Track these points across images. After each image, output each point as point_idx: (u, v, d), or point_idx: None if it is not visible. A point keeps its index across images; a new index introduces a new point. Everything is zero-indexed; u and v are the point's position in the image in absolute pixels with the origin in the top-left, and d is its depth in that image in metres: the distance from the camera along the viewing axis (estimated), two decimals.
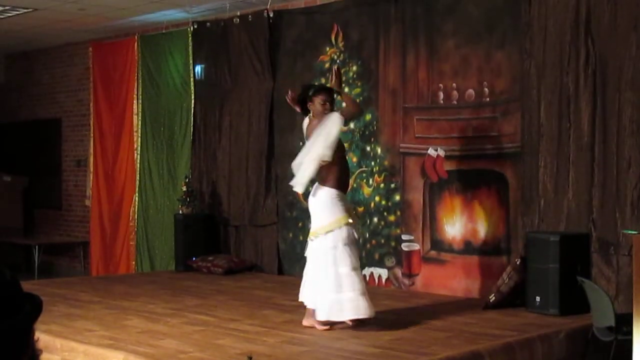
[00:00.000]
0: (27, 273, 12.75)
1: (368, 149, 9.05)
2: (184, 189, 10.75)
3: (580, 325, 6.64)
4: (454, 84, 8.47)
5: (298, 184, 6.71)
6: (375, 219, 9.08)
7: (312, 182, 6.76)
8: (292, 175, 9.48)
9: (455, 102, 8.47)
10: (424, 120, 8.71)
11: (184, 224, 10.60)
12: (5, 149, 14.73)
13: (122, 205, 12.04)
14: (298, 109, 7.00)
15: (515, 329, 6.59)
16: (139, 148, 11.83)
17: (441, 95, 8.58)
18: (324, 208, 6.61)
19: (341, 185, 6.69)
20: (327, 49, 9.65)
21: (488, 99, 8.22)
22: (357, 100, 6.58)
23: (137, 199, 11.80)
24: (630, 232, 6.47)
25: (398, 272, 8.88)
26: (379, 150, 9.05)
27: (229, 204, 10.72)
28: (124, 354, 5.78)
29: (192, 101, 11.13)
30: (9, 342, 1.57)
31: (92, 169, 12.56)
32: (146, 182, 11.73)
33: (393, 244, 8.94)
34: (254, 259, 10.39)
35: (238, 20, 10.47)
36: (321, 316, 6.54)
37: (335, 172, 6.65)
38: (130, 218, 11.88)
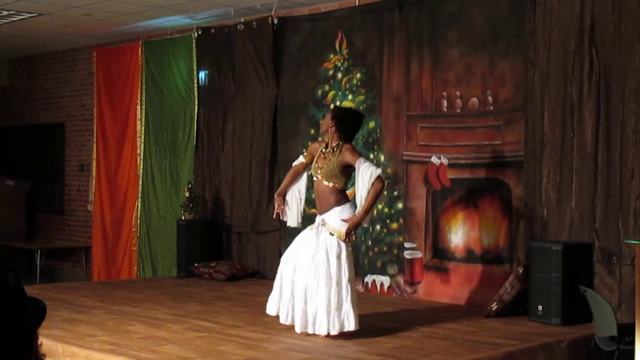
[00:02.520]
0: (29, 277, 12.76)
1: (371, 156, 9.04)
2: (187, 194, 10.75)
3: (583, 334, 6.64)
4: (458, 92, 8.47)
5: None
6: (378, 227, 9.07)
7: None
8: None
9: (458, 111, 8.47)
10: (428, 128, 8.71)
11: (186, 230, 10.59)
12: (9, 153, 14.75)
13: (125, 210, 12.04)
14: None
15: (518, 338, 6.58)
16: (142, 153, 11.83)
17: (445, 103, 8.58)
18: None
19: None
20: (331, 56, 9.66)
21: (492, 108, 8.23)
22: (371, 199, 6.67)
23: (139, 204, 11.80)
24: (633, 242, 6.47)
25: (400, 279, 8.87)
26: (382, 158, 9.05)
27: (232, 210, 10.72)
28: (126, 359, 5.77)
29: (196, 107, 11.14)
30: (13, 347, 1.57)
31: (94, 174, 12.57)
32: (149, 188, 11.73)
33: (395, 251, 8.93)
34: (256, 265, 10.40)
35: (242, 26, 10.49)
36: (335, 329, 6.51)
37: (345, 193, 6.86)
38: (133, 223, 11.88)
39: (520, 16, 7.97)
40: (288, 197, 7.17)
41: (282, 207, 7.18)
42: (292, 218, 7.19)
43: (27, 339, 1.62)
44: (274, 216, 7.48)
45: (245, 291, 9.24)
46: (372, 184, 6.44)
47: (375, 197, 6.51)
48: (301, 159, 7.18)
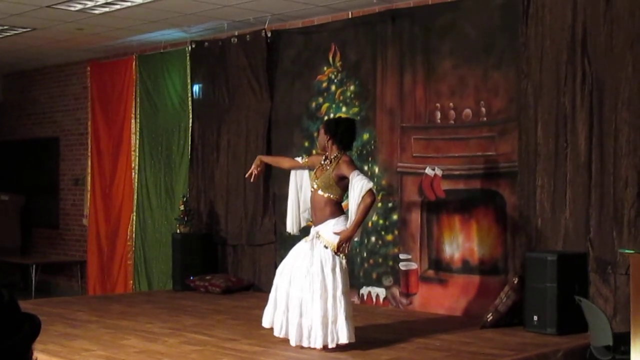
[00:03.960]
0: (24, 292, 12.71)
1: (366, 168, 9.05)
2: (182, 208, 10.74)
3: (578, 344, 6.65)
4: (451, 104, 8.50)
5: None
6: (373, 238, 9.08)
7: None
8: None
9: (452, 122, 8.49)
10: (422, 140, 8.73)
11: (181, 243, 10.59)
12: (3, 167, 14.73)
13: (120, 224, 12.03)
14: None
15: (513, 348, 6.59)
16: (136, 167, 11.83)
17: (438, 114, 8.60)
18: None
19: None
20: (325, 68, 9.68)
21: (485, 119, 8.25)
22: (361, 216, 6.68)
23: (134, 218, 11.80)
24: (627, 251, 6.48)
25: (396, 291, 8.87)
26: (376, 170, 9.06)
27: (227, 223, 10.72)
28: None
29: (190, 120, 11.15)
30: None
31: (89, 188, 12.56)
32: (144, 201, 11.73)
33: (391, 263, 8.93)
34: (251, 278, 10.39)
35: (236, 40, 10.51)
36: (320, 342, 6.49)
37: (340, 206, 6.82)
38: (128, 237, 11.87)
39: (513, 28, 8.00)
40: (289, 202, 7.21)
41: (258, 170, 7.42)
42: (289, 223, 7.23)
43: (22, 354, 1.62)
44: (246, 175, 7.62)
45: (241, 304, 9.23)
46: (362, 197, 6.44)
47: (365, 211, 6.50)
48: (298, 159, 7.27)
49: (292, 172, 7.28)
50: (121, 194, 12.05)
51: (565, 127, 7.55)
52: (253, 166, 7.46)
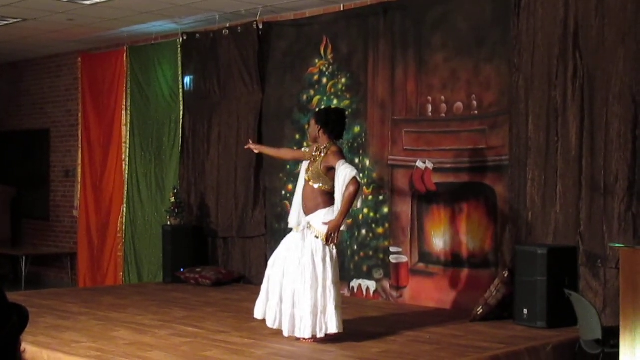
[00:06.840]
0: (14, 284, 12.70)
1: (357, 161, 9.05)
2: (172, 200, 10.73)
3: (568, 338, 6.66)
4: (443, 97, 8.49)
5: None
6: (364, 231, 9.08)
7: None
8: (280, 187, 9.57)
9: (443, 115, 8.49)
10: (413, 133, 8.73)
11: (172, 236, 10.57)
12: None
13: (110, 216, 12.01)
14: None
15: (503, 341, 6.60)
16: (127, 159, 11.81)
17: (430, 108, 8.60)
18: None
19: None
20: (317, 61, 9.67)
21: (476, 112, 8.25)
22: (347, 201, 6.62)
23: (125, 210, 11.78)
24: (617, 245, 6.50)
25: (386, 284, 8.88)
26: (367, 163, 9.06)
27: (217, 216, 10.71)
28: None
29: (181, 112, 11.13)
30: None
31: (80, 180, 12.54)
32: (134, 193, 11.71)
33: (381, 256, 8.94)
34: (242, 270, 10.39)
35: (227, 31, 10.49)
36: (309, 332, 6.49)
37: (331, 196, 6.77)
38: (118, 229, 11.85)
39: (505, 21, 8.00)
40: (294, 200, 7.15)
41: (252, 147, 7.76)
42: (292, 219, 7.09)
43: (10, 346, 1.62)
44: (245, 147, 7.96)
45: (231, 296, 9.23)
46: (346, 186, 6.44)
47: (349, 200, 6.47)
48: (304, 149, 7.30)
49: (303, 165, 7.21)
50: (112, 186, 12.03)
51: (556, 121, 7.56)
52: (255, 147, 7.77)
